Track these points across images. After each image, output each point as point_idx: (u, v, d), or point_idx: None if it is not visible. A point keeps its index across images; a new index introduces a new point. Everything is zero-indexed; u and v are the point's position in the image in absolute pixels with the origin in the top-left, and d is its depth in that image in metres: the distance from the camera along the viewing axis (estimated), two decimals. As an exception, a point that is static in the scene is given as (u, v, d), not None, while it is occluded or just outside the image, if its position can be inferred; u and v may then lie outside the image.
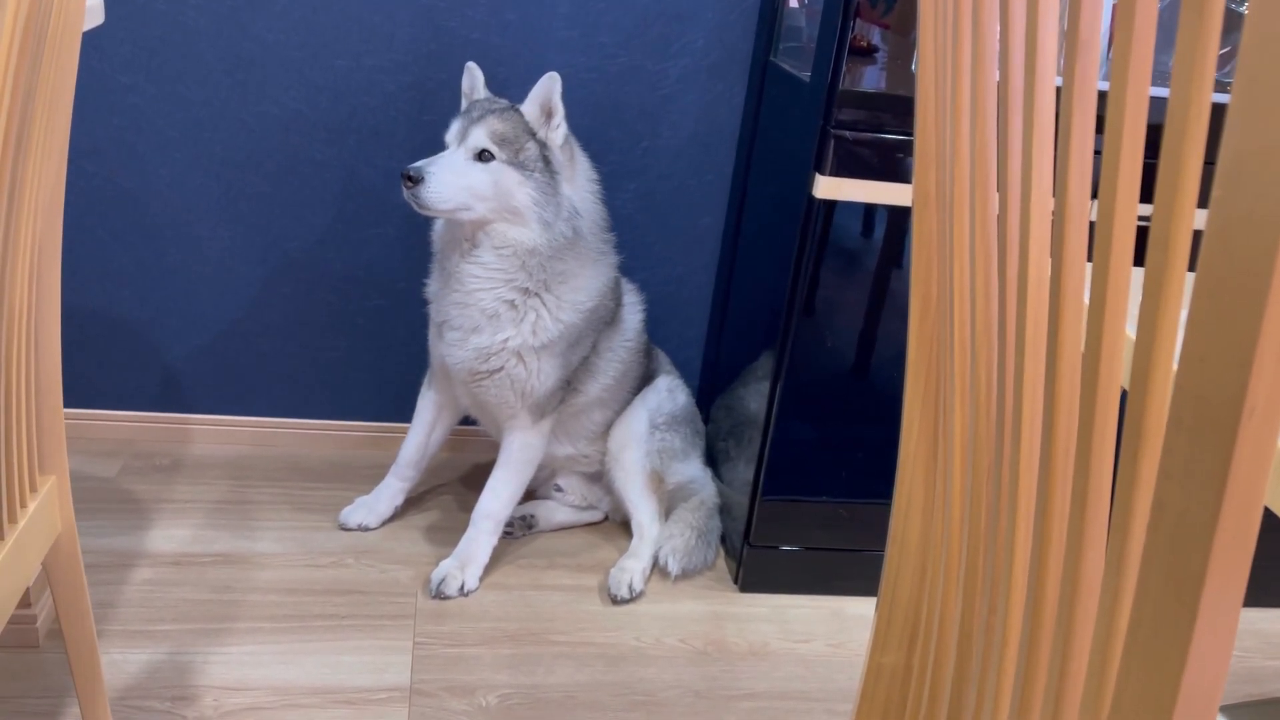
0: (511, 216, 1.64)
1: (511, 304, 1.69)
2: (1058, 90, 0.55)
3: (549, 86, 1.63)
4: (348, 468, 2.12)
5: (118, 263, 1.99)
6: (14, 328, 0.97)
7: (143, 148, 1.92)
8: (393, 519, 1.95)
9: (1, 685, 1.45)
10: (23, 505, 1.02)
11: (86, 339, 2.04)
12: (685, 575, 1.88)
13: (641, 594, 1.81)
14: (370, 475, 2.06)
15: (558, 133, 1.66)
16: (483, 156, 1.62)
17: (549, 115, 1.65)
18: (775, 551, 1.86)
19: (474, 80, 1.73)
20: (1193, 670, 0.43)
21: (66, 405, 2.09)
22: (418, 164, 1.60)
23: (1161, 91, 1.42)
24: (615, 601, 1.79)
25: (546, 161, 1.64)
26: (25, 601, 1.51)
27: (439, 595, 1.75)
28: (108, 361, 2.06)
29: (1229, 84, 1.39)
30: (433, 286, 1.78)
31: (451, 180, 1.60)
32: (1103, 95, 0.47)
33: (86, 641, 1.18)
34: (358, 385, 2.16)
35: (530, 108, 1.65)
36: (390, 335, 2.12)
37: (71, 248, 1.97)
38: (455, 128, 1.66)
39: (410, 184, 1.59)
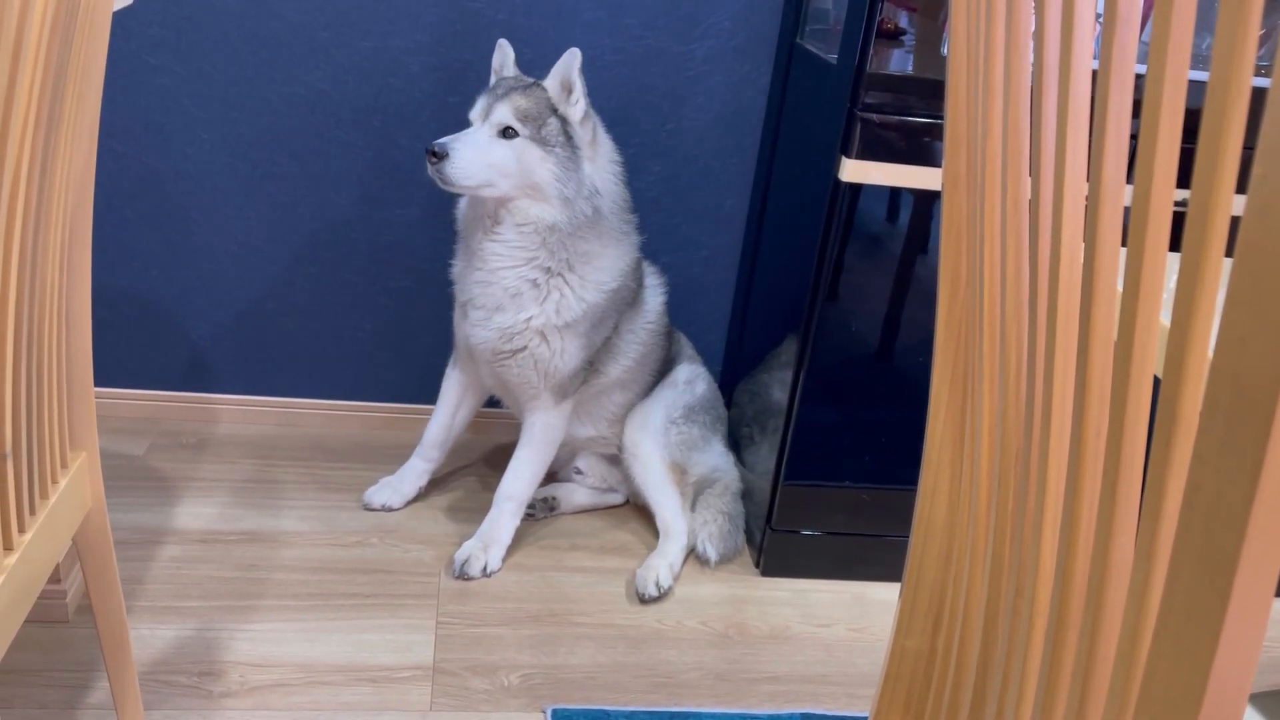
0: (533, 193, 1.65)
1: (534, 283, 1.69)
2: (1093, 73, 0.54)
3: (569, 62, 1.64)
4: (372, 448, 2.13)
5: (145, 242, 2.01)
6: (46, 305, 0.98)
7: (170, 128, 1.93)
8: (416, 499, 1.96)
9: (32, 659, 1.47)
10: (54, 481, 1.04)
11: (114, 318, 2.06)
12: (723, 560, 1.88)
13: (670, 590, 1.80)
14: (394, 455, 2.07)
15: (577, 108, 1.66)
16: (506, 133, 1.63)
17: (569, 91, 1.65)
18: (797, 536, 1.86)
19: (505, 57, 1.74)
20: (1224, 656, 0.42)
21: (95, 384, 2.11)
22: (443, 140, 1.61)
23: (1198, 75, 1.40)
24: (643, 600, 1.76)
25: (568, 137, 1.65)
26: (55, 577, 1.53)
27: (462, 576, 1.76)
28: (135, 341, 2.08)
29: (1264, 66, 1.37)
30: (458, 266, 1.78)
31: (476, 157, 1.61)
32: (1138, 80, 0.46)
33: (115, 616, 1.20)
34: (383, 366, 2.17)
35: (552, 83, 1.66)
36: (415, 316, 2.13)
37: (100, 227, 1.98)
38: (480, 105, 1.67)
39: (435, 160, 1.60)
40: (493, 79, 1.74)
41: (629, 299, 1.81)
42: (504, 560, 1.81)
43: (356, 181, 2.00)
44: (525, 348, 1.72)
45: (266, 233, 2.03)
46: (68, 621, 1.55)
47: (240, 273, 2.05)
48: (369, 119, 1.95)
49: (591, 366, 1.80)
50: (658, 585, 1.77)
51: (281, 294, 2.08)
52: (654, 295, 1.90)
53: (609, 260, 1.72)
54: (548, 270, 1.68)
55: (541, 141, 1.63)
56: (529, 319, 1.70)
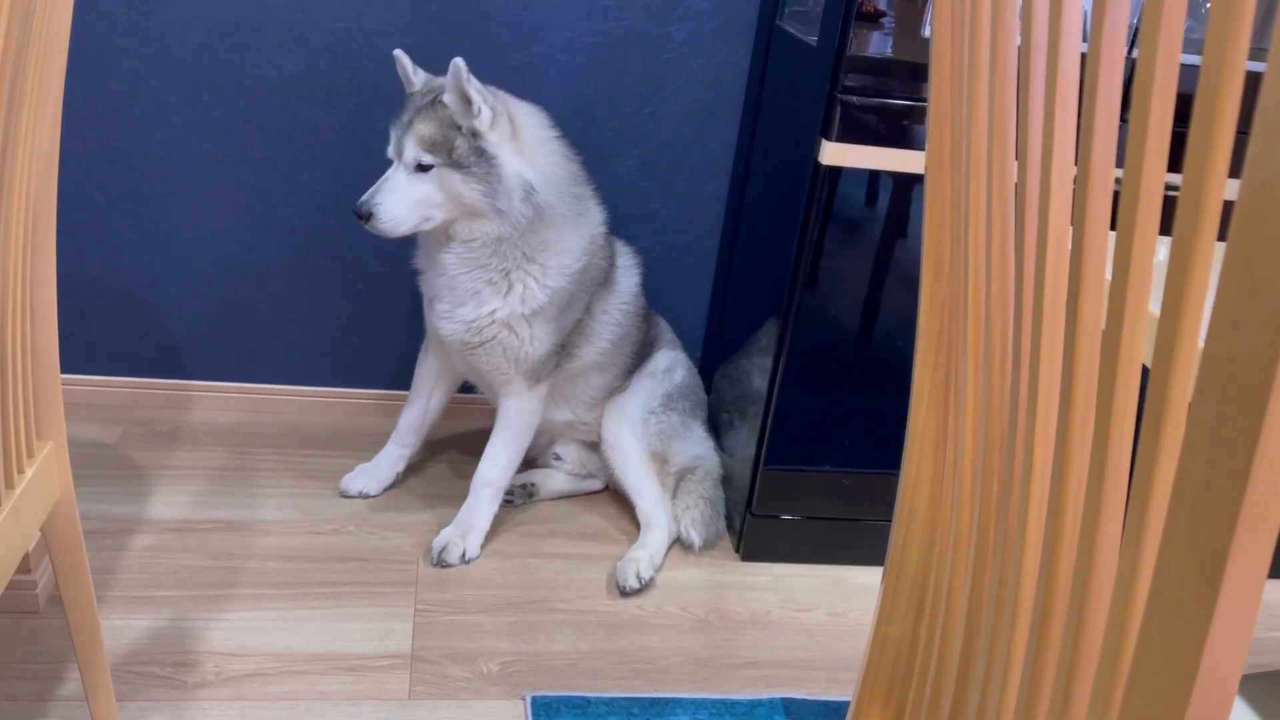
0: (470, 212, 1.62)
1: (492, 281, 1.68)
2: (1082, 55, 0.53)
3: (455, 76, 1.55)
4: (349, 435, 2.11)
5: (116, 228, 1.97)
6: (9, 293, 0.96)
7: (140, 111, 1.89)
8: (394, 486, 1.95)
9: (2, 651, 1.45)
10: (20, 471, 1.02)
11: (85, 305, 2.02)
12: (707, 546, 1.87)
13: (651, 582, 1.78)
14: (371, 442, 2.05)
15: (481, 118, 1.58)
16: (421, 168, 1.59)
17: (468, 103, 1.57)
18: (777, 521, 1.85)
19: (405, 71, 1.66)
20: (1214, 644, 0.42)
21: (66, 371, 2.08)
22: (364, 199, 1.59)
23: (1190, 59, 1.39)
24: (624, 593, 1.75)
25: (481, 151, 1.59)
26: (25, 567, 1.51)
27: (441, 563, 1.74)
28: (107, 328, 2.05)
29: (1257, 50, 1.37)
30: (420, 263, 1.77)
31: (401, 202, 1.59)
32: (1129, 62, 0.45)
33: (86, 607, 1.18)
34: (359, 352, 2.14)
35: (450, 99, 1.58)
36: (391, 302, 2.10)
37: (69, 213, 1.95)
38: (392, 140, 1.63)
39: (364, 220, 1.59)
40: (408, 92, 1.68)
41: (598, 278, 1.79)
42: (483, 547, 1.80)
43: (331, 166, 1.98)
44: (494, 338, 1.71)
45: (240, 218, 2.00)
46: (39, 612, 1.52)
47: (214, 259, 2.02)
48: (343, 102, 1.93)
49: (565, 350, 1.79)
50: (638, 577, 1.75)
51: (256, 280, 2.05)
52: (627, 275, 1.88)
53: (568, 243, 1.70)
54: (505, 271, 1.67)
55: (456, 165, 1.58)
56: (493, 312, 1.69)
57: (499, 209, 1.61)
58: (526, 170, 1.63)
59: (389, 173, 1.62)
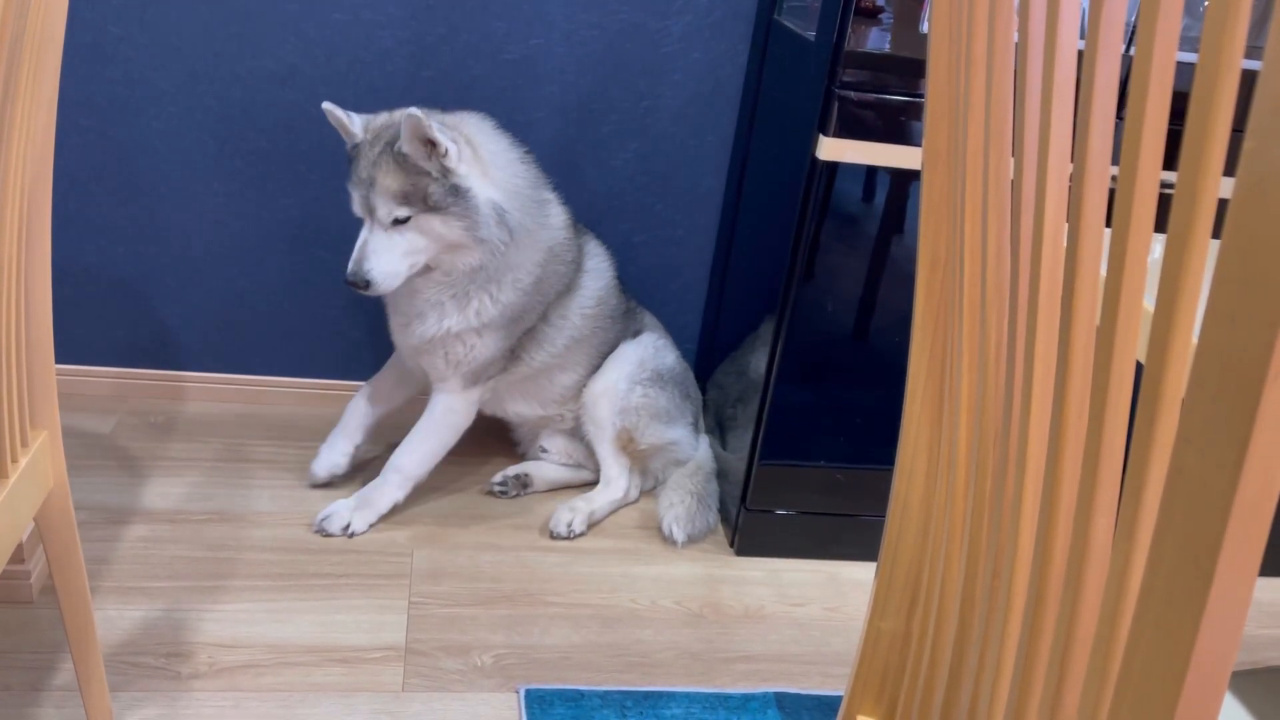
0: (452, 249, 1.62)
1: (454, 297, 1.69)
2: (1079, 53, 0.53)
3: (412, 127, 1.51)
4: (343, 427, 2.11)
5: (112, 218, 1.97)
6: (4, 282, 0.96)
7: (136, 101, 1.89)
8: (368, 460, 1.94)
9: (-4, 640, 1.45)
10: (14, 460, 1.01)
11: (81, 295, 2.02)
12: (691, 541, 1.88)
13: (580, 536, 1.85)
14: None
15: (450, 157, 1.55)
16: (398, 221, 1.58)
17: (432, 145, 1.54)
18: (772, 515, 1.86)
19: (339, 122, 1.63)
20: (1205, 639, 0.42)
21: (61, 361, 2.08)
22: (353, 269, 1.58)
23: (1186, 57, 1.40)
24: (552, 536, 1.83)
25: (455, 189, 1.56)
26: (19, 557, 1.50)
27: (320, 531, 1.76)
28: (103, 318, 2.05)
29: (1250, 46, 1.37)
30: None
31: (391, 262, 1.59)
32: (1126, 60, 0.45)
33: (79, 597, 1.18)
34: (355, 344, 2.14)
35: (409, 147, 1.54)
36: (387, 294, 2.10)
37: (64, 202, 1.94)
38: (356, 199, 1.60)
39: (361, 289, 1.59)
40: (348, 142, 1.64)
41: (557, 286, 1.78)
42: (371, 526, 1.79)
43: (328, 157, 1.97)
44: (443, 348, 1.73)
45: (236, 209, 1.99)
46: (32, 602, 1.52)
47: (210, 249, 2.02)
48: (340, 94, 1.92)
49: (512, 354, 1.79)
50: (569, 528, 1.83)
51: (252, 271, 2.05)
52: (594, 279, 1.85)
53: (524, 259, 1.70)
54: (467, 292, 1.68)
55: (434, 209, 1.56)
56: (447, 326, 1.70)
57: (479, 238, 1.60)
58: (494, 193, 1.61)
59: (365, 234, 1.60)
